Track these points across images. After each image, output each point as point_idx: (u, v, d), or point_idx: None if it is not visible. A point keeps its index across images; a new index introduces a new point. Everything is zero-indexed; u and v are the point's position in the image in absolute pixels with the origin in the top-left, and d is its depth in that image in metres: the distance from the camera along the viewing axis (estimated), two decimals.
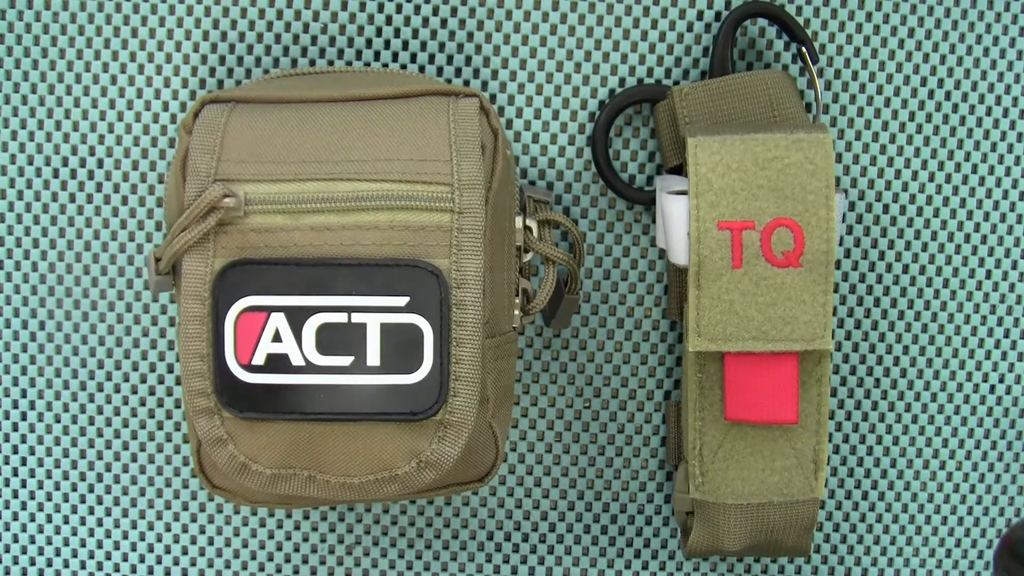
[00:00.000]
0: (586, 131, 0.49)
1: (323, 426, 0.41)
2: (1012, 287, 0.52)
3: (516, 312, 0.45)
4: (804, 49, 0.48)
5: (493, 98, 0.49)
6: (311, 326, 0.40)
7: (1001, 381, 0.52)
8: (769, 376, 0.45)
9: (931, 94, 0.50)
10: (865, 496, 0.52)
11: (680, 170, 0.48)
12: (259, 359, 0.40)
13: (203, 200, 0.40)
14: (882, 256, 0.51)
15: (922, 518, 0.53)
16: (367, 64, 0.49)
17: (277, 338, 0.40)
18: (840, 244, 0.51)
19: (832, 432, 0.52)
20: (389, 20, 0.49)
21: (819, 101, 0.48)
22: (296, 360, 0.40)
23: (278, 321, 0.40)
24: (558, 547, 0.52)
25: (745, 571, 0.53)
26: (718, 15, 0.49)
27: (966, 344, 0.52)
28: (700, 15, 0.49)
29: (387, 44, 0.49)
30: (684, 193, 0.45)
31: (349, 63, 0.49)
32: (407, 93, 0.43)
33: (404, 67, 0.49)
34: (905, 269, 0.51)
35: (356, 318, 0.40)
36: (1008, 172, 0.51)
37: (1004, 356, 0.52)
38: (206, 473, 0.44)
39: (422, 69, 0.49)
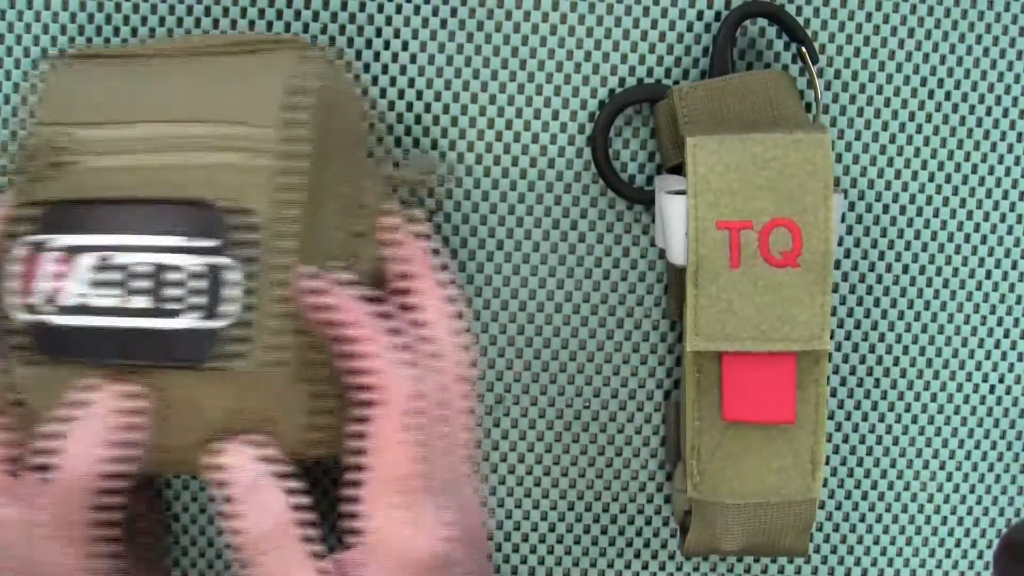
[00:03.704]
0: (586, 131, 0.49)
1: (116, 371, 0.39)
2: (1012, 287, 0.52)
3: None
4: (804, 49, 0.48)
5: (493, 98, 0.49)
6: (107, 266, 0.39)
7: (1001, 381, 0.52)
8: (766, 376, 0.45)
9: (931, 94, 0.50)
10: (865, 496, 0.52)
11: (680, 170, 0.48)
12: (46, 298, 0.39)
13: (27, 147, 0.39)
14: (882, 256, 0.51)
15: (922, 518, 0.53)
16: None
17: (65, 278, 0.39)
18: (840, 244, 0.51)
19: (832, 432, 0.52)
20: (389, 20, 0.49)
21: (819, 101, 0.48)
22: (88, 301, 0.39)
23: (72, 260, 0.39)
24: (558, 547, 0.52)
25: (745, 571, 0.53)
26: (718, 15, 0.49)
27: (966, 344, 0.52)
28: (700, 15, 0.49)
29: (387, 44, 0.49)
30: (683, 193, 0.45)
31: (349, 64, 0.49)
32: (246, 44, 0.42)
33: (404, 68, 0.49)
34: (905, 269, 0.51)
35: (159, 259, 0.38)
36: (1008, 172, 0.51)
37: (1004, 356, 0.52)
38: None
39: (422, 70, 0.49)
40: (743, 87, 0.47)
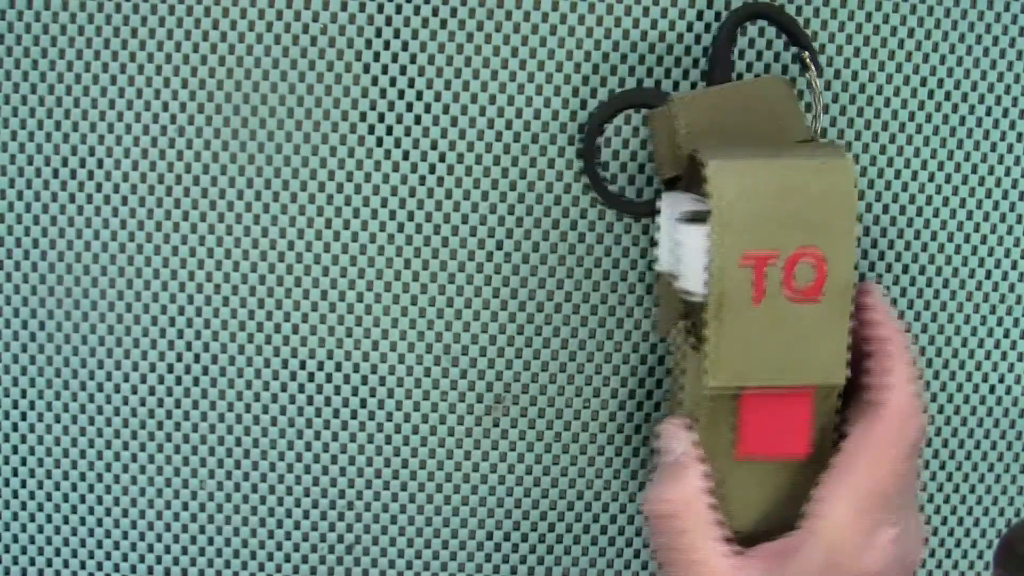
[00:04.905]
0: (586, 131, 0.49)
1: None
2: (1012, 287, 0.51)
3: None
4: (806, 54, 0.47)
5: (493, 99, 0.49)
6: None
7: (1001, 381, 0.52)
8: (784, 411, 0.43)
9: (931, 94, 0.50)
10: None
11: (674, 182, 0.48)
12: None
13: None
14: (882, 256, 0.51)
15: (922, 518, 0.53)
16: (367, 65, 0.49)
17: None
18: None
19: None
20: (389, 20, 0.49)
21: (819, 107, 0.47)
22: None
23: None
24: (558, 547, 0.52)
25: None
26: (718, 15, 0.49)
27: (966, 344, 0.52)
28: (700, 15, 0.49)
29: (387, 45, 0.49)
30: (700, 218, 0.43)
31: (349, 64, 0.49)
32: None
33: (404, 68, 0.49)
34: (905, 269, 0.51)
35: None
36: (1008, 172, 0.51)
37: (1004, 356, 0.52)
38: None
39: (422, 70, 0.49)
40: (743, 97, 0.46)
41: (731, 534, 0.44)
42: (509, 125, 0.49)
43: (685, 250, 0.43)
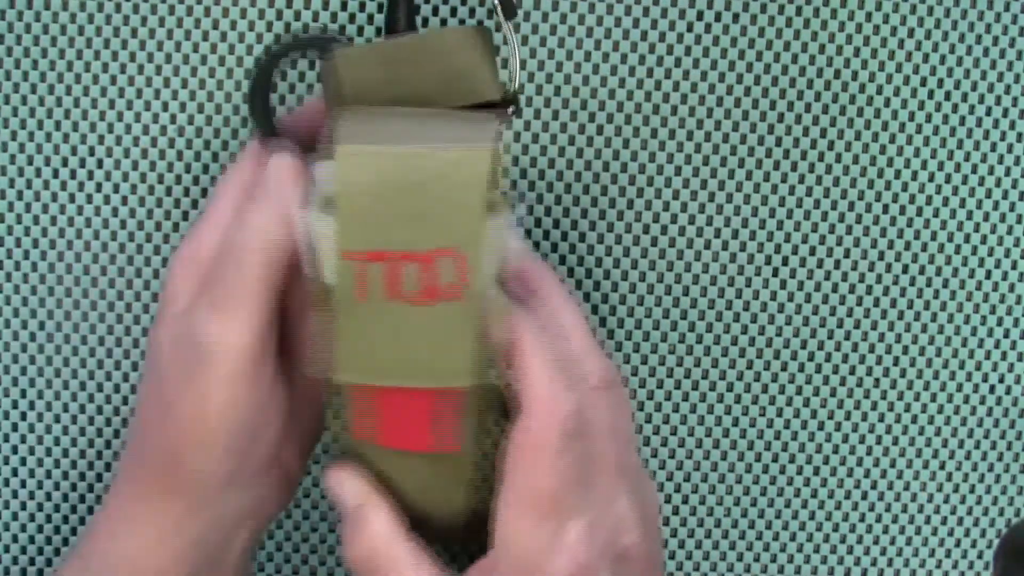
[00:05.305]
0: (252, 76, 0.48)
1: None
2: (1012, 287, 0.52)
3: None
4: (496, 2, 0.43)
5: None
6: None
7: (1001, 381, 0.52)
8: (409, 408, 0.41)
9: (931, 94, 0.50)
10: (865, 496, 0.52)
11: None
12: None
13: None
14: (882, 256, 0.51)
15: (922, 518, 0.53)
16: None
17: None
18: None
19: (832, 432, 0.52)
20: None
21: (515, 62, 0.43)
22: None
23: None
24: None
25: (745, 571, 0.53)
26: None
27: (966, 344, 0.52)
28: None
29: None
30: (330, 203, 0.39)
31: None
32: None
33: None
34: (905, 269, 0.51)
35: None
36: (1008, 172, 0.51)
37: (1004, 356, 0.52)
38: None
39: None
40: (422, 52, 0.41)
41: (440, 566, 0.41)
42: (509, 128, 0.49)
43: (315, 236, 0.40)
